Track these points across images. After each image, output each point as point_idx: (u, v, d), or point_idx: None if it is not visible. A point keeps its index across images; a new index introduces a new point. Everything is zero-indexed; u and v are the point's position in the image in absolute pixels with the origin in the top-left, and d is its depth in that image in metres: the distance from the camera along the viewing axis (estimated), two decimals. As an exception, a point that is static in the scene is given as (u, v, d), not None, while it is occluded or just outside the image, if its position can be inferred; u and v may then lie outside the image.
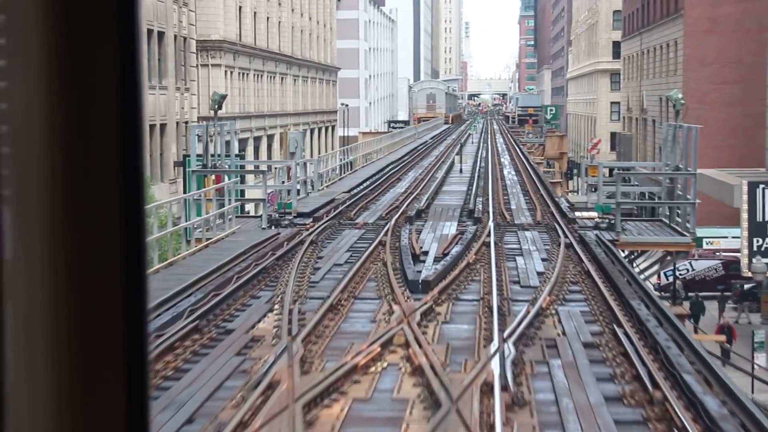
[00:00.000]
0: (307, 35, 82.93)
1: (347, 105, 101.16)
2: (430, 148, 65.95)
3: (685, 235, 23.32)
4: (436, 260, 19.66)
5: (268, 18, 67.95)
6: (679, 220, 24.75)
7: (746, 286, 42.46)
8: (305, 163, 32.49)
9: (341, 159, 48.39)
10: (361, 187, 35.73)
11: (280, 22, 72.24)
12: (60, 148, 1.39)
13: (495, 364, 11.22)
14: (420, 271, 18.36)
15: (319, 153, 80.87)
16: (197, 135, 26.75)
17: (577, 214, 29.88)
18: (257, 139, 64.19)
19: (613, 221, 24.38)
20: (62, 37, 1.39)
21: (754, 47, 62.50)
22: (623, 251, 23.32)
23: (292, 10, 76.66)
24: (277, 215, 26.02)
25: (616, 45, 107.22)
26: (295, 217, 26.77)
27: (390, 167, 46.56)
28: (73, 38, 1.40)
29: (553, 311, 15.06)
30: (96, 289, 1.42)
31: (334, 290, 16.29)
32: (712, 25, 65.37)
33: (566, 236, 22.42)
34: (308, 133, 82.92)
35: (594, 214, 28.05)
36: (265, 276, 18.04)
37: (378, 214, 27.87)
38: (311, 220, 26.13)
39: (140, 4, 1.48)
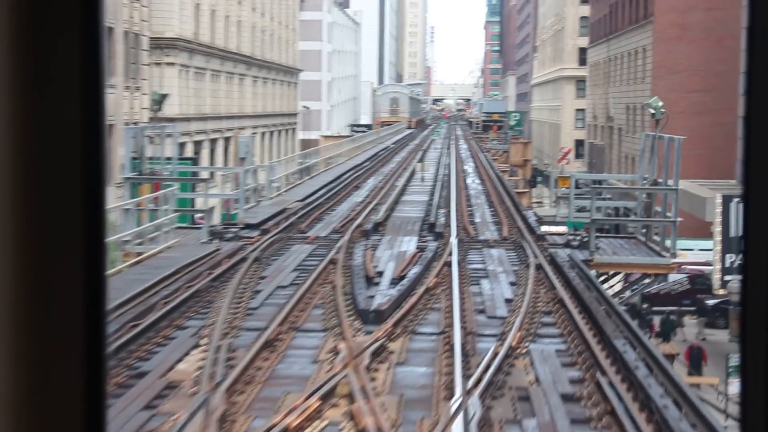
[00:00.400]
0: (268, 35, 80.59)
1: (309, 108, 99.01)
2: (392, 154, 63.94)
3: (664, 256, 21.40)
4: (392, 283, 17.57)
5: (227, 17, 65.59)
6: (657, 238, 22.85)
7: (711, 302, 40.87)
8: (256, 170, 30.22)
9: (299, 164, 46.20)
10: (317, 195, 33.57)
11: (239, 21, 69.87)
12: (21, 148, 1.41)
13: (457, 427, 9.17)
14: (373, 296, 16.29)
15: (279, 157, 78.60)
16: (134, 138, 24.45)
17: (544, 228, 27.96)
18: (213, 142, 61.80)
19: (585, 238, 22.43)
20: (25, 37, 1.41)
21: (724, 55, 61.20)
22: (596, 271, 21.37)
23: (253, 9, 74.33)
24: (220, 227, 23.81)
25: (582, 51, 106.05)
26: (241, 228, 24.59)
27: (349, 173, 44.44)
28: (36, 39, 1.41)
29: (525, 350, 13.03)
30: (56, 287, 1.44)
31: (274, 320, 14.17)
32: (682, 32, 63.98)
33: (535, 255, 20.43)
34: (268, 136, 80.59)
35: (563, 228, 26.15)
36: (197, 301, 15.85)
37: (332, 227, 25.76)
38: (258, 232, 23.95)
39: (105, 7, 1.49)
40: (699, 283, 43.29)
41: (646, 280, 22.04)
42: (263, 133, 78.87)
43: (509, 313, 15.26)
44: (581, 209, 27.57)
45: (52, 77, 1.41)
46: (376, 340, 12.92)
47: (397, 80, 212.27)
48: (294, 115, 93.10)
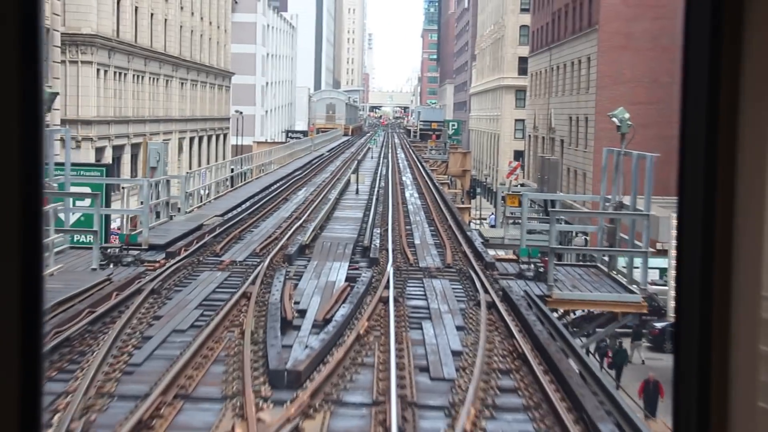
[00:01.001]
0: (198, 36, 76.94)
1: (242, 112, 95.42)
2: (326, 162, 60.76)
3: (633, 293, 18.49)
4: (315, 328, 14.42)
5: (152, 14, 61.89)
6: (622, 269, 20.00)
7: (660, 325, 38.53)
8: (169, 180, 26.76)
9: (222, 173, 42.88)
10: (240, 209, 30.26)
11: (166, 20, 66.20)
12: None
13: None
14: (291, 347, 13.15)
15: (209, 163, 75.01)
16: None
17: (492, 252, 25.03)
18: (135, 147, 58.00)
19: (541, 268, 19.48)
20: None
21: (670, 66, 59.14)
22: (557, 311, 18.41)
23: (182, 8, 70.65)
24: (117, 250, 20.41)
25: (523, 61, 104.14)
26: (145, 250, 21.25)
27: (278, 184, 41.21)
28: None
29: (482, 432, 9.96)
30: None
31: (159, 383, 10.93)
32: (628, 41, 61.81)
33: (485, 289, 17.43)
34: (197, 141, 76.91)
35: (502, 252, 23.27)
36: (66, 353, 12.53)
37: (251, 249, 22.48)
38: (163, 256, 20.62)
39: (42, 9, 1.46)
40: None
41: (616, 321, 19.10)
42: (192, 138, 75.26)
43: (459, 373, 12.18)
44: (530, 231, 24.72)
45: None
46: (287, 420, 9.76)
47: (334, 86, 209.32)
48: (226, 119, 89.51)
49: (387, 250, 22.18)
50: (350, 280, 18.75)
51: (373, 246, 22.33)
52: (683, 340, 1.79)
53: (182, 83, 71.14)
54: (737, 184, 1.78)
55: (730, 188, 1.79)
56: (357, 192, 37.51)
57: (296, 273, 19.32)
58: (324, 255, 21.81)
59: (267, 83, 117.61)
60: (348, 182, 40.24)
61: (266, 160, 52.99)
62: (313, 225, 25.67)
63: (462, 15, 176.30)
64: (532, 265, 20.10)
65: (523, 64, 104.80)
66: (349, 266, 20.46)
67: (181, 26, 70.67)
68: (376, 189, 38.50)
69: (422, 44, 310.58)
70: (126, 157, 55.97)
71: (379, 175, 47.56)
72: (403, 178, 48.28)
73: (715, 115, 1.76)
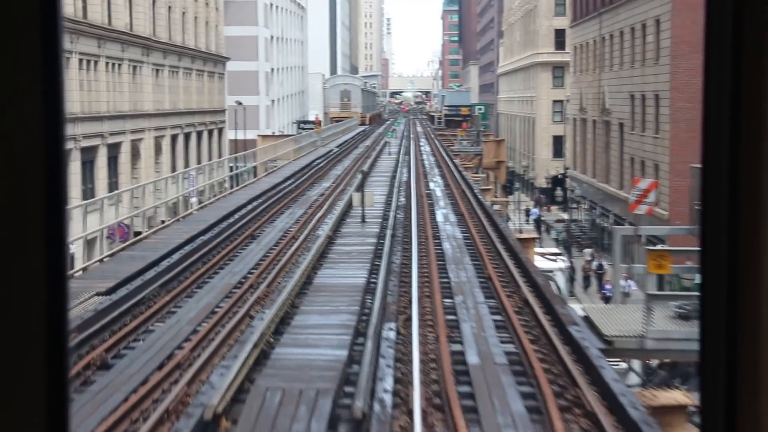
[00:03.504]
0: (178, 14, 64.28)
1: (241, 103, 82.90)
2: (333, 163, 48.00)
3: None
4: None
5: (112, -15, 49.28)
6: None
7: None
8: None
9: (151, 198, 30.01)
10: (166, 263, 17.58)
11: (133, -7, 53.57)
12: None
13: None
14: None
15: (199, 163, 62.59)
16: None
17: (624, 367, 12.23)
18: (88, 151, 45.48)
19: None
20: None
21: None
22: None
23: (155, -21, 58.01)
24: None
25: (560, 33, 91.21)
26: None
27: (253, 204, 28.58)
28: None
29: None
30: (17, 286, 1.41)
31: None
32: (710, -4, 48.47)
33: None
34: (182, 139, 64.25)
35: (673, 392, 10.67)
36: None
37: (123, 392, 9.72)
38: None
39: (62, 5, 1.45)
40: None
41: None
42: (174, 136, 62.54)
43: None
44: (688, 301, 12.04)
45: (11, 78, 1.36)
46: None
47: (351, 72, 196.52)
48: (221, 111, 76.85)
49: (413, 385, 9.46)
50: None
51: (382, 386, 9.49)
52: (708, 348, 1.67)
53: (157, 71, 58.49)
54: (764, 181, 1.66)
55: (756, 186, 1.65)
56: (363, 220, 24.61)
57: None
58: (271, 414, 8.97)
59: (272, 69, 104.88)
60: (351, 200, 27.47)
61: (244, 168, 40.15)
62: (263, 322, 12.79)
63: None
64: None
65: (560, 38, 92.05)
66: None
67: (153, 1, 58.06)
68: (392, 210, 25.73)
69: (443, 26, 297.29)
70: (75, 166, 43.47)
71: (398, 182, 34.77)
72: (431, 186, 35.43)
73: (739, 109, 1.64)
